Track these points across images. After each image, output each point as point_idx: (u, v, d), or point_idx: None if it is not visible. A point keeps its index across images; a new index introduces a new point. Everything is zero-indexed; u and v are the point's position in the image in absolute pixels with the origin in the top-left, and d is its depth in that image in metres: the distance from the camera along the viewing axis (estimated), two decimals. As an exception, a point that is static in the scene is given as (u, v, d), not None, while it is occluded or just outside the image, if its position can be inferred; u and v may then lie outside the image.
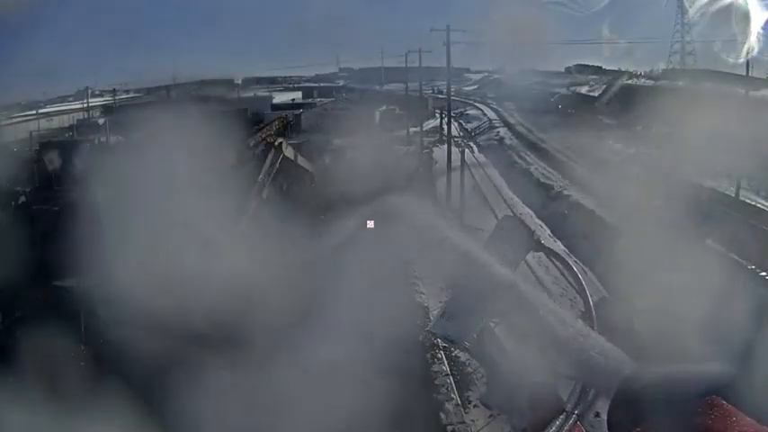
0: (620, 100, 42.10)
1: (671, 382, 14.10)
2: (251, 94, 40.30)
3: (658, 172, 27.01)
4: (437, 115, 43.02)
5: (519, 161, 40.23)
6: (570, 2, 35.49)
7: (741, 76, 29.47)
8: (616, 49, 42.73)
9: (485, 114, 50.54)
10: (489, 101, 52.05)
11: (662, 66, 44.98)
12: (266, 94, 41.75)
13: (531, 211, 31.49)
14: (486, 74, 55.14)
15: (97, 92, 37.10)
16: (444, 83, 41.31)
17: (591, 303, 18.57)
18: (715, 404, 12.92)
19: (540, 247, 22.92)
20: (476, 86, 55.28)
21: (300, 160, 28.07)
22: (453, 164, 34.10)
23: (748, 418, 12.44)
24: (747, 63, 29.07)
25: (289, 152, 26.95)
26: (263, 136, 28.94)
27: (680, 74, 42.89)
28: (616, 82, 45.24)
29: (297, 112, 40.31)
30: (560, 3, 35.60)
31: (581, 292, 20.31)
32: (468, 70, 53.21)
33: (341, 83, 45.80)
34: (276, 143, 26.36)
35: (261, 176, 25.11)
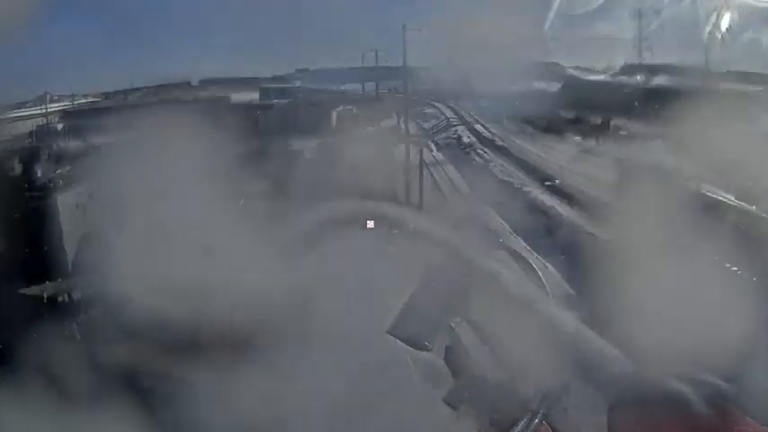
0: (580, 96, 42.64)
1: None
2: (208, 95, 39.79)
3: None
4: (394, 115, 43.12)
5: (477, 159, 40.60)
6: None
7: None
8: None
9: (442, 113, 50.83)
10: (447, 100, 52.40)
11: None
12: (223, 95, 41.26)
13: (489, 209, 31.76)
14: (441, 74, 55.26)
15: (55, 97, 36.48)
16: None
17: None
18: (722, 408, 13.42)
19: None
20: (431, 86, 55.40)
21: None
22: (412, 162, 34.44)
23: (753, 422, 12.94)
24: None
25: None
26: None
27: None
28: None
29: (254, 113, 40.17)
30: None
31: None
32: (427, 69, 53.35)
33: (298, 83, 45.33)
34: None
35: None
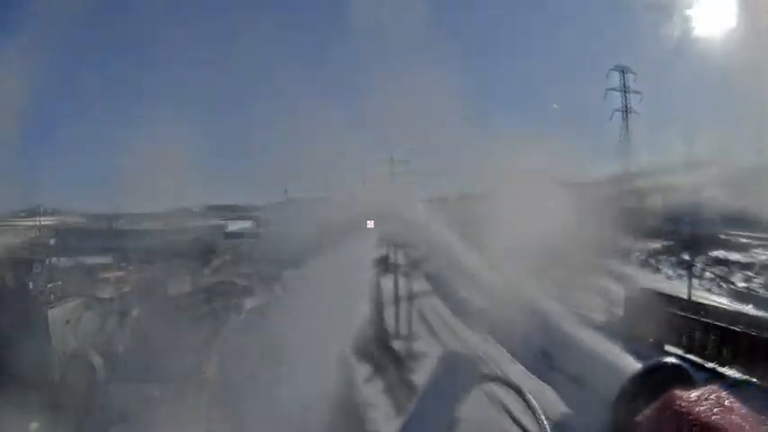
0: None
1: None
2: (206, 222, 40.75)
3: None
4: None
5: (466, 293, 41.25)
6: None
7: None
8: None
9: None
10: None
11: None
12: (221, 222, 42.31)
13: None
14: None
15: (50, 210, 36.91)
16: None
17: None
18: (712, 396, 14.16)
19: (488, 378, 23.97)
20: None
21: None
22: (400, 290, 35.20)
23: (743, 409, 13.66)
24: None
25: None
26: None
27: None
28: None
29: (250, 240, 41.04)
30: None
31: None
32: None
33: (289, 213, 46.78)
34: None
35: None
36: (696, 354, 27.38)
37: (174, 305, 27.93)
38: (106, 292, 29.74)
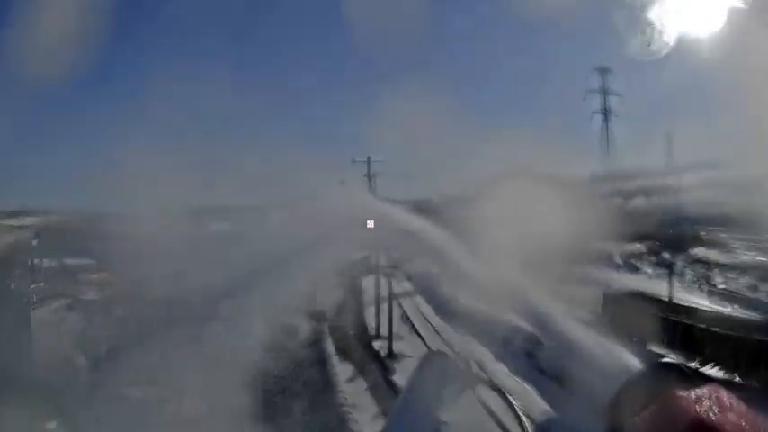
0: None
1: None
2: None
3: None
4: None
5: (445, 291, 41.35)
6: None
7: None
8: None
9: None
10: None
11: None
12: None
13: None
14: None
15: (32, 211, 36.63)
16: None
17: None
18: (712, 396, 14.29)
19: (473, 381, 24.05)
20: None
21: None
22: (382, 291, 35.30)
23: (743, 409, 13.79)
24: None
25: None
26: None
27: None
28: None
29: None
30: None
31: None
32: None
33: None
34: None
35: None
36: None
37: (157, 307, 27.78)
38: (89, 294, 29.57)
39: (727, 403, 14.78)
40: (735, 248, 40.13)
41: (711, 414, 14.35)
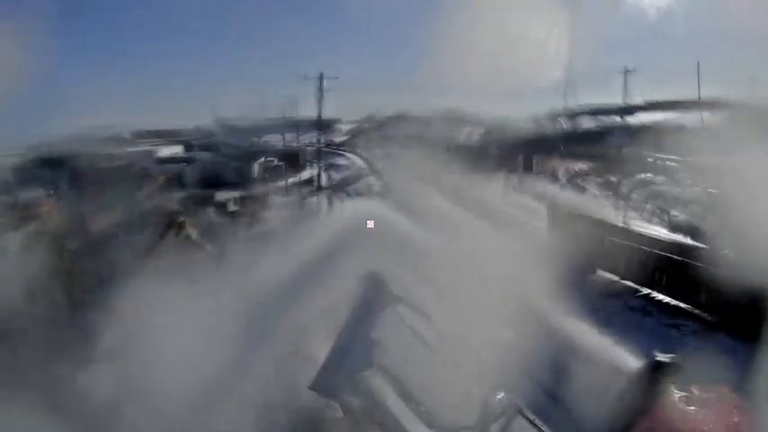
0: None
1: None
2: (137, 148, 40.34)
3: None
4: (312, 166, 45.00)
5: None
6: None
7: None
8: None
9: (354, 163, 52.54)
10: (359, 150, 54.18)
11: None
12: (150, 148, 41.94)
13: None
14: (357, 125, 57.93)
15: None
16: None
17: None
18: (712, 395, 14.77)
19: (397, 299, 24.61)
20: (347, 137, 57.62)
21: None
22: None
23: (743, 409, 14.25)
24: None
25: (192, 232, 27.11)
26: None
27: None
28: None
29: (180, 165, 40.87)
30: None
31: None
32: (339, 121, 55.35)
33: (220, 136, 46.57)
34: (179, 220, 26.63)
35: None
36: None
37: (102, 239, 27.72)
38: (37, 228, 29.21)
39: (727, 404, 14.96)
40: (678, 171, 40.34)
41: (710, 414, 14.52)
